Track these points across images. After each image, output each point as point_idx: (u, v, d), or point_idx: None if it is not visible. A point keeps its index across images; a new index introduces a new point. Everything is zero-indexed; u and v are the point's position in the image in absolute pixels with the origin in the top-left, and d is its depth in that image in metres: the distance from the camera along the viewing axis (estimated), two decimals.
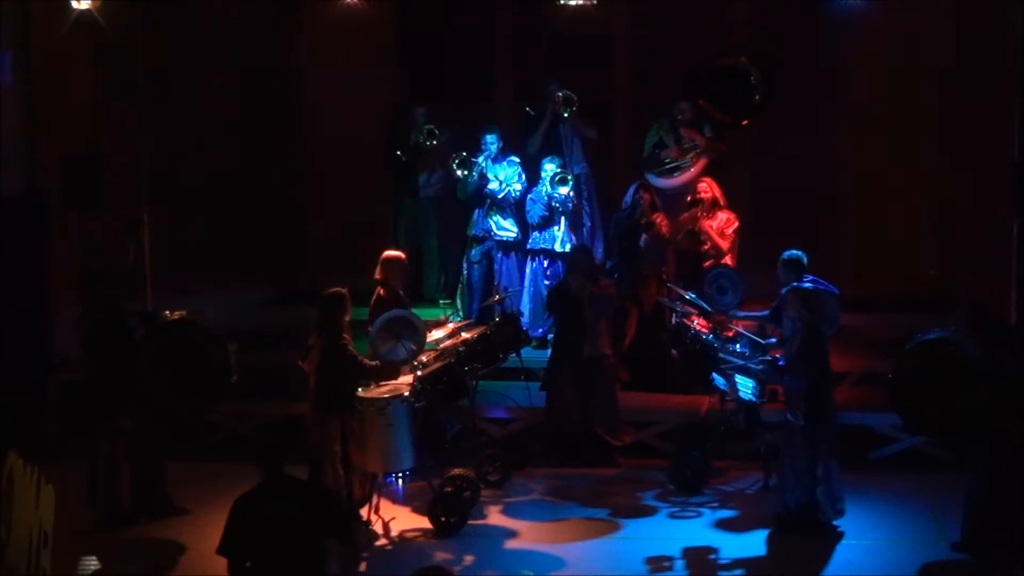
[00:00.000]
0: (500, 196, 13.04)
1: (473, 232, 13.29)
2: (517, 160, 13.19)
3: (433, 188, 14.02)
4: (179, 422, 11.26)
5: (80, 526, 9.96)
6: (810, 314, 9.94)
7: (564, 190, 12.81)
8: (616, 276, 12.58)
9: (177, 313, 10.71)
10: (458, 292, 13.42)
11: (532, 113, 13.41)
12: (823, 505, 9.92)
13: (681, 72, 13.25)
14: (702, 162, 13.11)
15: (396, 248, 11.79)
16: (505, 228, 13.17)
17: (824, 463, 9.89)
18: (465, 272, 13.37)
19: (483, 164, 13.04)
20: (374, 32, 14.92)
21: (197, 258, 14.48)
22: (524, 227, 13.16)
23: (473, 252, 13.30)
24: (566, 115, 13.20)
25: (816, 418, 9.87)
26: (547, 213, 12.96)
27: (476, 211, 13.25)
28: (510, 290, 12.71)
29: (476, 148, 13.14)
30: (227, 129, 14.55)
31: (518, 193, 13.07)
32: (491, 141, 13.14)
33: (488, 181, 13.05)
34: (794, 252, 10.50)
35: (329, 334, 10.15)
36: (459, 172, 13.00)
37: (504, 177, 13.10)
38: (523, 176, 13.12)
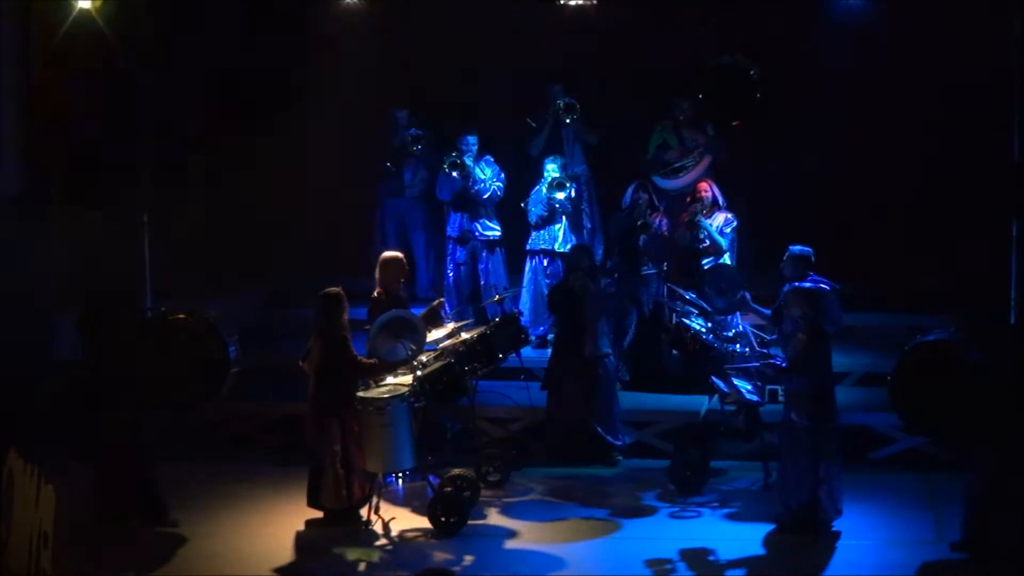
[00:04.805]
0: (485, 196, 13.05)
1: (455, 233, 13.28)
2: (492, 159, 13.21)
3: (417, 188, 14.01)
4: (179, 414, 11.25)
5: (80, 526, 9.94)
6: (813, 312, 9.93)
7: (560, 195, 12.86)
8: (616, 276, 12.59)
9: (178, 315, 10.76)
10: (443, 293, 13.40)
11: (533, 125, 13.43)
12: (825, 505, 9.91)
13: (681, 72, 13.24)
14: (705, 161, 13.10)
15: (384, 248, 11.81)
16: (490, 227, 13.20)
17: (825, 463, 9.89)
18: (451, 274, 13.36)
19: (471, 165, 13.05)
20: (373, 32, 14.91)
21: (196, 258, 14.45)
22: (513, 224, 13.15)
23: (459, 253, 13.30)
24: (568, 122, 13.23)
25: (820, 417, 9.86)
26: (546, 213, 12.98)
27: (454, 213, 13.26)
28: (510, 290, 12.71)
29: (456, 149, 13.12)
30: (227, 129, 14.52)
31: (501, 192, 13.08)
32: (472, 142, 13.13)
33: (476, 182, 13.05)
34: (803, 247, 10.50)
35: (328, 334, 10.16)
36: (453, 174, 12.98)
37: (485, 177, 13.11)
38: (502, 175, 13.14)
